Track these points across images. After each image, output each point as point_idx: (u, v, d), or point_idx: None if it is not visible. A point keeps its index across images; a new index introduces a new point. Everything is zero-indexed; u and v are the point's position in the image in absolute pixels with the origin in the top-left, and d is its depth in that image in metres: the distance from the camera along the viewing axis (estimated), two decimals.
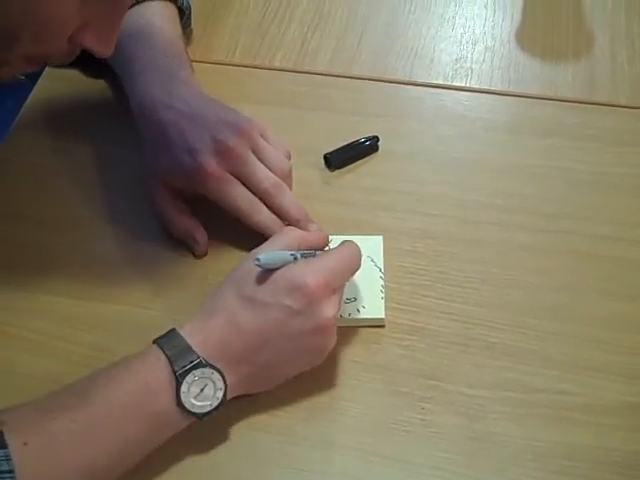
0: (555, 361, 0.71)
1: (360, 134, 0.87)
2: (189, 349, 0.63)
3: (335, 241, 0.76)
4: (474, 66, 0.95)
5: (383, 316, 0.73)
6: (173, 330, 0.65)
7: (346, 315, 0.72)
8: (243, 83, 0.94)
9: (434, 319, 0.74)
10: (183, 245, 0.79)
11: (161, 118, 0.77)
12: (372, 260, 0.76)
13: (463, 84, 0.93)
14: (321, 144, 0.86)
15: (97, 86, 0.92)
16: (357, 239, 0.76)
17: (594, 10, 1.01)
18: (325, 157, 0.85)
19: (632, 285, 0.76)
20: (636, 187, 0.83)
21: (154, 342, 0.64)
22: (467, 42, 0.98)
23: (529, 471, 0.65)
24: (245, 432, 0.68)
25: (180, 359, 0.62)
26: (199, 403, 0.62)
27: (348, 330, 0.73)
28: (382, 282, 0.75)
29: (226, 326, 0.64)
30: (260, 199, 0.76)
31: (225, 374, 0.63)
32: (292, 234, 0.71)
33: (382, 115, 0.90)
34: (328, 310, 0.65)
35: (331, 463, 0.66)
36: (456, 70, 0.95)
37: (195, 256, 0.78)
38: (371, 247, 0.77)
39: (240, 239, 0.78)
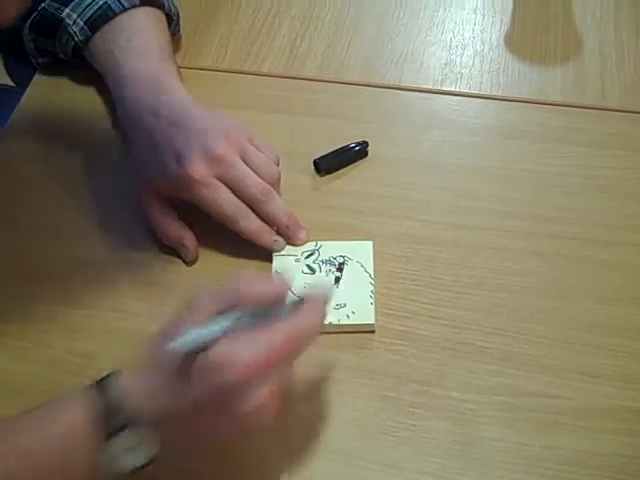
0: (546, 365, 0.71)
1: (349, 139, 0.86)
2: (121, 406, 0.57)
3: (325, 247, 0.77)
4: (463, 70, 0.95)
5: (373, 322, 0.73)
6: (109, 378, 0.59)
7: (335, 321, 0.72)
8: (232, 89, 0.94)
9: (424, 324, 0.74)
10: (173, 251, 0.79)
11: (148, 125, 0.77)
12: (362, 265, 0.76)
13: (452, 88, 0.93)
14: (310, 149, 0.86)
15: (86, 93, 0.92)
16: (347, 244, 0.77)
17: (583, 14, 1.01)
18: (315, 162, 0.85)
19: (624, 289, 0.76)
20: (626, 190, 0.83)
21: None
22: (456, 46, 0.98)
23: (520, 476, 0.65)
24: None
25: (111, 416, 0.57)
26: (125, 461, 0.57)
27: (338, 336, 0.72)
28: (372, 287, 0.75)
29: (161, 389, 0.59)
30: (248, 206, 0.76)
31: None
32: (228, 294, 0.61)
33: (371, 120, 0.90)
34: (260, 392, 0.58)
35: (320, 468, 0.66)
36: (445, 74, 0.95)
37: (185, 262, 0.78)
38: (361, 252, 0.77)
39: (230, 245, 0.78)
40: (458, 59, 0.96)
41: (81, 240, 0.80)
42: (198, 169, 0.74)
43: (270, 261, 0.77)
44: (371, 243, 0.78)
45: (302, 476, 0.66)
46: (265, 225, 0.77)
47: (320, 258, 0.77)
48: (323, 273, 0.76)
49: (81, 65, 0.90)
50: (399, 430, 0.68)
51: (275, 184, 0.78)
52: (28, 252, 0.80)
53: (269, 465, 0.67)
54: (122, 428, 0.57)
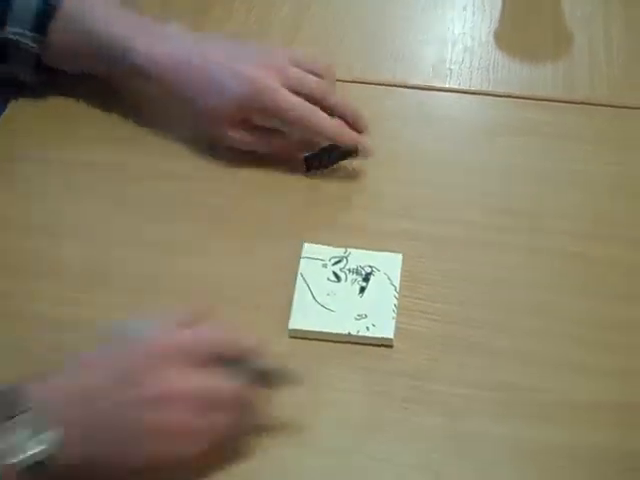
0: (537, 360, 0.73)
1: None
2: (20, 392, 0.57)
3: (353, 255, 0.78)
4: (453, 67, 0.98)
5: (392, 336, 0.75)
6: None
7: (355, 332, 0.75)
8: None
9: (416, 319, 0.75)
10: (159, 250, 0.80)
11: (202, 61, 0.81)
12: (388, 278, 0.79)
13: (443, 85, 0.96)
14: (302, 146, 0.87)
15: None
16: (376, 255, 0.79)
17: (573, 11, 1.04)
18: (305, 159, 0.86)
19: (614, 284, 0.78)
20: (615, 185, 0.86)
21: None
22: (446, 43, 1.00)
23: (514, 470, 0.67)
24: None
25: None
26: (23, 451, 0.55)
27: None
28: (395, 301, 0.77)
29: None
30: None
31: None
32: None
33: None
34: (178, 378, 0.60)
35: (313, 464, 0.67)
36: (436, 71, 0.97)
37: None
38: (389, 264, 0.79)
39: (222, 244, 0.80)
40: (448, 56, 0.99)
41: (61, 239, 0.81)
42: (261, 76, 0.79)
43: (294, 263, 0.78)
44: (400, 256, 0.80)
45: (292, 472, 0.67)
46: (340, 121, 0.83)
47: (347, 266, 0.79)
48: (349, 282, 0.78)
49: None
50: (391, 425, 0.69)
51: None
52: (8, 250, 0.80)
53: (257, 460, 0.67)
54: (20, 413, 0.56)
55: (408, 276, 0.78)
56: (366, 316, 0.75)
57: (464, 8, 1.04)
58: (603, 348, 0.73)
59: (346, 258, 0.79)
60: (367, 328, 0.74)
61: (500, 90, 0.95)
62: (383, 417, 0.69)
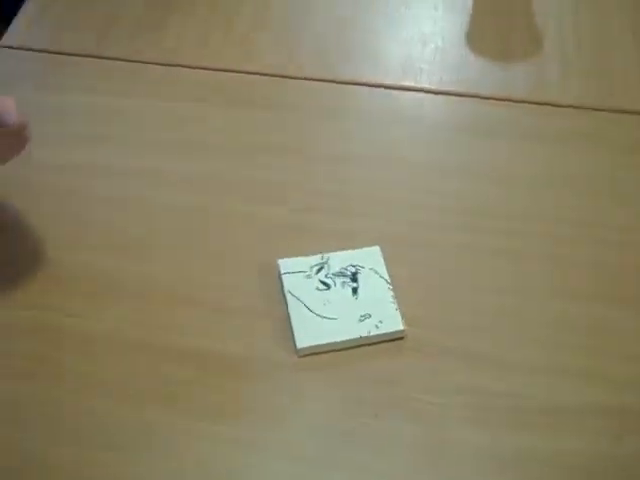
0: (510, 364, 0.71)
1: (311, 136, 0.87)
2: None
3: (333, 259, 0.76)
4: (424, 66, 0.96)
5: (402, 327, 0.72)
6: None
7: (365, 333, 0.72)
8: (189, 84, 0.94)
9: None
10: (125, 255, 0.77)
11: None
12: (376, 272, 0.75)
13: (413, 84, 0.94)
14: None
15: None
16: (355, 253, 0.76)
17: (544, 11, 1.02)
18: None
19: (584, 285, 0.77)
20: (586, 186, 0.85)
21: None
22: (417, 43, 0.98)
23: (490, 477, 0.65)
24: (192, 442, 0.66)
25: None
26: None
27: None
28: (391, 293, 0.74)
29: None
30: None
31: None
32: None
33: (332, 116, 0.90)
34: None
35: (285, 473, 0.65)
36: (406, 70, 0.95)
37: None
38: (371, 259, 0.76)
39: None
40: (419, 55, 0.97)
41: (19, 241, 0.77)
42: None
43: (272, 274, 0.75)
44: (378, 248, 0.77)
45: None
46: None
47: (331, 271, 0.76)
48: (339, 286, 0.75)
49: None
50: (362, 433, 0.67)
51: None
52: None
53: (225, 470, 0.65)
54: None
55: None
56: (370, 315, 0.72)
57: (435, 7, 1.02)
58: (577, 351, 0.72)
59: (326, 264, 0.76)
60: (376, 326, 0.71)
61: (471, 90, 0.93)
62: (354, 424, 0.67)
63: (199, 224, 0.81)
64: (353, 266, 0.76)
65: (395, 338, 0.72)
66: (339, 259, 0.76)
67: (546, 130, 0.90)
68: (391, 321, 0.72)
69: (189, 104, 0.91)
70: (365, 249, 0.77)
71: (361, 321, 0.72)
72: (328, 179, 0.85)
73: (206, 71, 0.95)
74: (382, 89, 0.93)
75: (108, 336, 0.72)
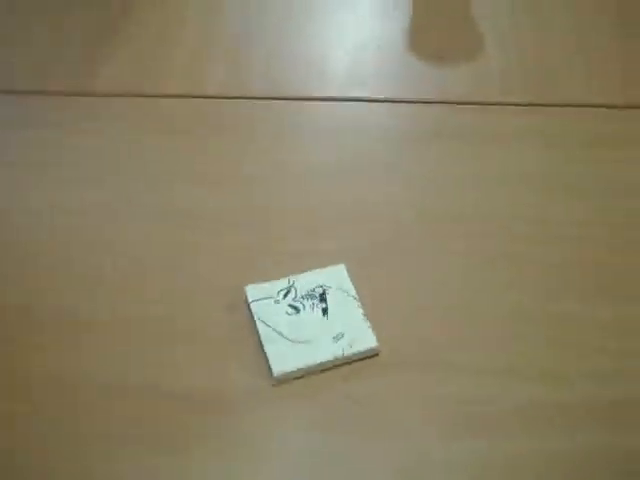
0: (468, 368, 0.71)
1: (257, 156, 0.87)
2: None
3: (299, 281, 0.76)
4: (366, 74, 0.96)
5: (376, 344, 0.72)
6: None
7: (340, 354, 0.72)
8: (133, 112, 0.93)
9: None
10: (86, 294, 0.76)
11: None
12: (343, 290, 0.76)
13: (358, 94, 0.94)
14: None
15: None
16: (320, 273, 0.76)
17: (482, 11, 1.03)
18: None
19: (538, 282, 0.77)
20: (541, 183, 0.85)
21: None
22: (358, 50, 0.98)
23: None
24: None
25: None
26: None
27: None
28: (362, 311, 0.74)
29: None
30: None
31: None
32: None
33: (279, 133, 0.90)
34: None
35: None
36: (349, 80, 0.95)
37: None
38: (337, 277, 0.76)
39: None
40: (360, 63, 0.97)
41: None
42: None
43: (241, 303, 0.75)
44: (344, 266, 0.77)
45: None
46: None
47: (299, 294, 0.75)
48: (308, 309, 0.75)
49: None
50: (348, 455, 0.66)
51: None
52: None
53: None
54: None
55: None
56: (343, 335, 0.72)
57: (371, 13, 1.02)
58: (534, 347, 0.73)
59: (293, 287, 0.76)
60: (350, 345, 0.71)
61: (415, 96, 0.93)
62: (331, 449, 0.67)
63: (159, 259, 0.80)
64: (320, 287, 0.76)
65: (370, 355, 0.72)
66: (305, 281, 0.76)
67: (495, 129, 0.90)
68: (364, 339, 0.72)
69: (137, 134, 0.91)
70: (330, 268, 0.77)
71: (335, 342, 0.72)
72: (286, 199, 0.84)
73: (152, 99, 0.94)
74: (327, 102, 0.93)
75: (75, 378, 0.71)
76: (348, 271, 0.77)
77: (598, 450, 0.66)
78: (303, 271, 0.77)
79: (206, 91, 0.95)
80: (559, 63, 0.97)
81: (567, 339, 0.73)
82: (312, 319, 0.73)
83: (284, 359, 0.71)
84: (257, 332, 0.73)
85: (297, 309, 0.74)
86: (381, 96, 0.94)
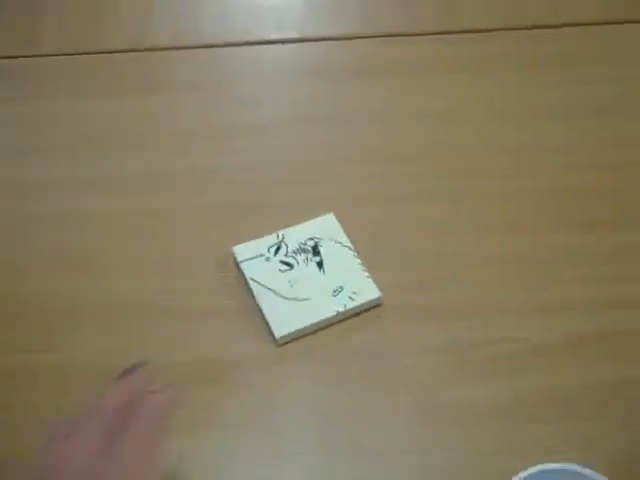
0: (491, 309, 0.69)
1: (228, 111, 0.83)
2: None
3: (288, 235, 0.72)
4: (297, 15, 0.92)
5: (379, 294, 0.69)
6: None
7: (342, 308, 0.68)
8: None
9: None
10: (73, 274, 0.72)
11: None
12: (337, 241, 0.72)
13: (318, 34, 0.90)
14: None
15: None
16: (310, 225, 0.72)
17: None
18: None
19: (531, 217, 0.75)
20: (488, 118, 0.83)
21: None
22: None
23: (489, 430, 0.63)
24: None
25: None
26: None
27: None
28: (359, 260, 0.71)
29: None
30: None
31: None
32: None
33: (230, 84, 0.87)
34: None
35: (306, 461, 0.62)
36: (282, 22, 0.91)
37: None
38: (328, 228, 0.73)
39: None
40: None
41: None
42: None
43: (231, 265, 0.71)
44: (332, 215, 0.74)
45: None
46: None
47: (290, 249, 0.71)
48: (302, 264, 0.71)
49: None
50: (359, 410, 0.64)
51: None
52: None
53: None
54: None
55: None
56: (342, 288, 0.69)
57: None
58: (540, 284, 0.70)
59: (283, 242, 0.72)
60: (351, 298, 0.68)
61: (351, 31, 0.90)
62: (344, 405, 0.64)
63: (142, 229, 0.75)
64: (311, 239, 0.72)
65: (373, 306, 0.69)
66: (295, 234, 0.72)
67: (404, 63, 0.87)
68: (366, 290, 0.69)
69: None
70: (320, 218, 0.73)
71: (335, 296, 0.68)
72: (257, 152, 0.80)
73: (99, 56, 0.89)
74: (261, 45, 0.90)
75: (73, 365, 0.67)
76: (338, 219, 0.73)
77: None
78: (291, 224, 0.73)
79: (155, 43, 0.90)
80: None
81: (570, 275, 0.71)
82: (308, 274, 0.70)
83: (285, 320, 0.67)
84: (252, 293, 0.69)
85: (290, 265, 0.70)
86: (315, 34, 0.90)
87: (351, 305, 0.68)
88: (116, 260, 0.73)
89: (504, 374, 0.66)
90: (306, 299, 0.68)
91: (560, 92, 0.84)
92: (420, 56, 0.88)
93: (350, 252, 0.71)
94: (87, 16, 0.92)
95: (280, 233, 0.72)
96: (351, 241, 0.72)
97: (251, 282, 0.69)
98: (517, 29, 0.89)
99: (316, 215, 0.73)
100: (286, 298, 0.68)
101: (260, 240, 0.72)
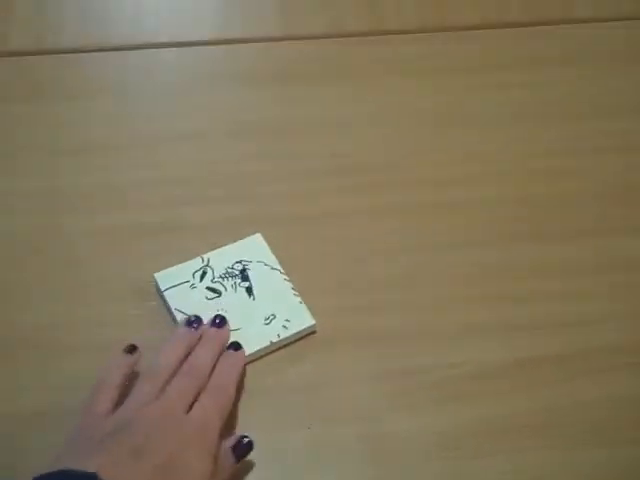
0: (421, 332, 0.65)
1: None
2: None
3: (214, 259, 0.67)
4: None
5: (313, 322, 0.65)
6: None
7: (276, 338, 0.64)
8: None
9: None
10: None
11: None
12: (265, 264, 0.67)
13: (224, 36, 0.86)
14: None
15: None
16: (236, 247, 0.68)
17: None
18: None
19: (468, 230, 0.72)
20: (439, 118, 0.80)
21: None
22: None
23: (441, 461, 0.59)
24: None
25: None
26: None
27: None
28: (290, 284, 0.66)
29: None
30: None
31: None
32: None
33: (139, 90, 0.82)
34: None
35: None
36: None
37: None
38: (255, 249, 0.68)
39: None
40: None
41: None
42: None
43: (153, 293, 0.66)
44: (260, 235, 0.69)
45: None
46: None
47: (217, 274, 0.66)
48: (230, 290, 0.66)
49: None
50: (299, 447, 0.59)
51: None
52: None
53: None
54: None
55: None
56: (274, 316, 0.64)
57: None
58: (482, 303, 0.67)
59: (209, 267, 0.67)
60: (285, 327, 0.64)
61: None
62: (288, 441, 0.59)
63: (49, 253, 0.69)
64: (239, 262, 0.67)
65: (307, 334, 0.65)
66: (221, 258, 0.67)
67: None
68: (299, 317, 0.64)
69: None
70: (247, 239, 0.69)
71: (267, 324, 0.64)
72: (178, 167, 0.75)
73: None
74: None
75: None
76: (266, 239, 0.69)
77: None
78: (216, 246, 0.68)
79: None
80: None
81: (513, 288, 0.68)
82: (237, 301, 0.65)
83: None
84: (177, 324, 0.64)
85: (218, 292, 0.66)
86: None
87: (285, 334, 0.63)
88: (23, 290, 0.67)
89: (447, 402, 0.62)
90: (237, 329, 0.63)
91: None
92: (345, 59, 0.84)
93: (281, 275, 0.66)
94: None
95: (205, 257, 0.67)
96: (281, 263, 0.67)
97: (176, 312, 0.64)
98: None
99: (243, 236, 0.69)
100: None
101: (184, 265, 0.67)
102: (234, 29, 0.88)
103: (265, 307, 0.65)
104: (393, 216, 0.73)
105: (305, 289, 0.66)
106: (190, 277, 0.66)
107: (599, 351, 0.65)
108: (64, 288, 0.67)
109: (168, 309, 0.65)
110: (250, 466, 0.58)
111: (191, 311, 0.64)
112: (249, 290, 0.66)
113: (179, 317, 0.64)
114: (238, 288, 0.66)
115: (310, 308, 0.65)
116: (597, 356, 0.65)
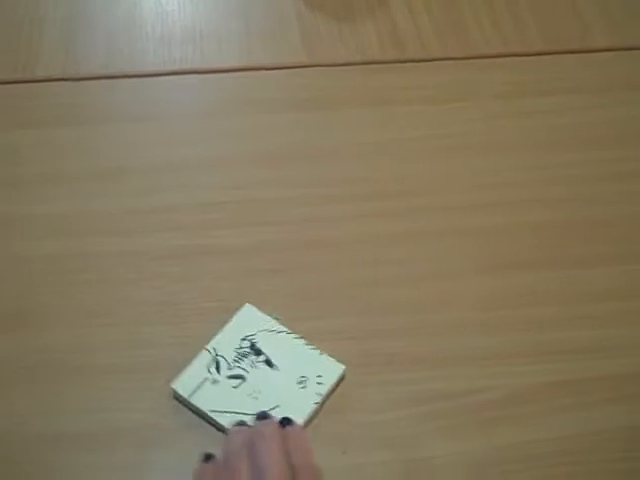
0: (459, 358, 0.66)
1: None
2: None
3: (219, 346, 0.65)
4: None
5: (343, 367, 0.64)
6: None
7: (318, 399, 0.63)
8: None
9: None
10: None
11: None
12: (269, 330, 0.66)
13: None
14: None
15: None
16: (232, 326, 0.66)
17: None
18: None
19: (498, 255, 0.72)
20: (466, 149, 0.80)
21: None
22: None
23: None
24: None
25: None
26: None
27: None
28: (303, 340, 0.66)
29: None
30: None
31: None
32: None
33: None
34: None
35: None
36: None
37: None
38: (251, 319, 0.67)
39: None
40: None
41: None
42: None
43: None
44: (249, 305, 0.67)
45: None
46: None
47: (230, 360, 0.64)
48: (251, 370, 0.64)
49: None
50: (335, 473, 0.58)
51: None
52: None
53: None
54: None
55: (289, 295, 0.68)
56: (305, 377, 0.63)
57: None
58: (516, 328, 0.68)
59: (218, 356, 0.64)
60: (320, 384, 0.63)
61: (324, 60, 0.87)
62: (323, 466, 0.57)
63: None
64: (244, 339, 0.66)
65: (339, 382, 0.64)
66: (226, 341, 0.65)
67: (396, 91, 0.85)
68: (328, 368, 0.64)
69: None
70: (239, 314, 0.66)
71: (302, 388, 0.63)
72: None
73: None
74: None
75: None
76: (257, 306, 0.67)
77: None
78: (211, 333, 0.65)
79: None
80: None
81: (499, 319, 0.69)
82: (263, 378, 0.63)
83: None
84: (217, 425, 0.61)
85: (241, 377, 0.63)
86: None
87: (324, 391, 0.63)
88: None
89: (482, 426, 0.62)
90: (277, 406, 0.62)
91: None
92: (367, 86, 0.86)
93: (289, 335, 0.65)
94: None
95: (209, 347, 0.65)
96: (282, 322, 0.66)
97: (213, 415, 0.62)
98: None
99: (231, 311, 0.67)
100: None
101: (193, 365, 0.64)
102: (257, 56, 0.88)
103: (292, 372, 0.64)
104: (414, 241, 0.73)
105: (317, 338, 0.65)
106: (206, 373, 0.64)
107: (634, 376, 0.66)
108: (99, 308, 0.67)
109: (201, 415, 0.62)
110: None
111: (226, 407, 0.61)
112: (268, 362, 0.64)
113: (218, 419, 0.61)
114: (257, 364, 0.64)
115: (332, 355, 0.64)
116: (630, 381, 0.65)
